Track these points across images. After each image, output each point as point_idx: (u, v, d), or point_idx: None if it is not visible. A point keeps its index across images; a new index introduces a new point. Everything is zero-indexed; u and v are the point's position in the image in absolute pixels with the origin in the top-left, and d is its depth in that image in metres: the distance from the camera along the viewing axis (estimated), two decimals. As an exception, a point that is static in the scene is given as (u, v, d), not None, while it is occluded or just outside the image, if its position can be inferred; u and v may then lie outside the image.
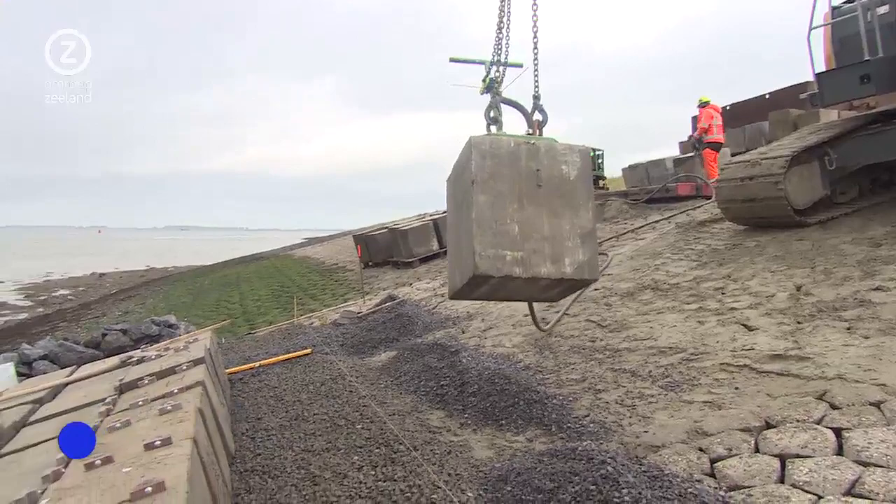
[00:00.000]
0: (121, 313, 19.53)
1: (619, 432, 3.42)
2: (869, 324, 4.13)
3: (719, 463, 2.91)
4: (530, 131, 4.28)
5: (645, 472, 2.67)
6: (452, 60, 4.53)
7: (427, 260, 14.68)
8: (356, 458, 3.27)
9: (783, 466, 2.78)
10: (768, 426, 3.18)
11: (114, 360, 4.81)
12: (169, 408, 2.98)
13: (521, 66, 4.39)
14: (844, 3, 7.28)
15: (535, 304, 5.23)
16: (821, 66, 7.29)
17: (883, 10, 6.50)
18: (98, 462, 2.29)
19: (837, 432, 2.94)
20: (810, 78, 7.45)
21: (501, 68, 4.28)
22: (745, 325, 4.73)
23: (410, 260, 14.85)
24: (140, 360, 4.63)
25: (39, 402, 3.93)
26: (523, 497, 2.66)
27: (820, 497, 2.47)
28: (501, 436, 3.58)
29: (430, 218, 16.46)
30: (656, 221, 10.97)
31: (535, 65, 4.19)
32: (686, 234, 8.75)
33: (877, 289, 4.68)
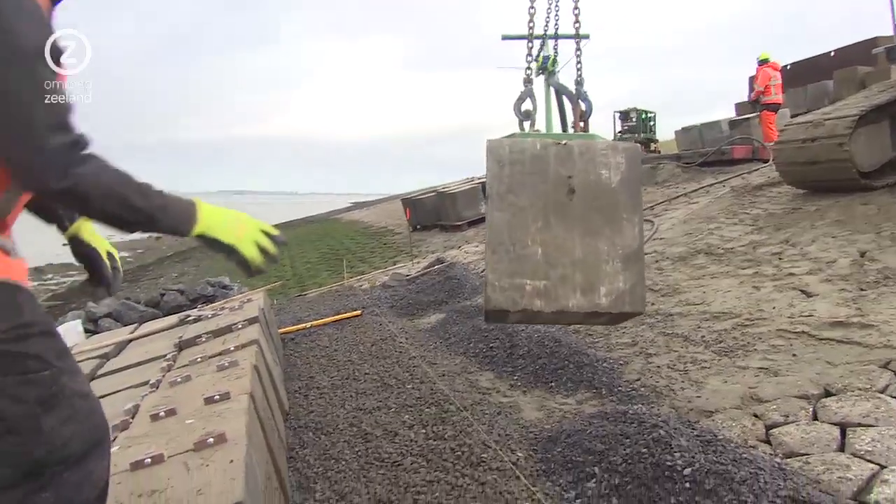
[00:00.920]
0: (177, 274, 20.18)
1: (671, 397, 3.38)
2: (938, 291, 3.96)
3: (775, 430, 2.85)
4: (572, 127, 3.53)
5: (698, 436, 2.63)
6: (505, 38, 3.93)
7: (475, 223, 14.61)
8: (406, 416, 3.32)
9: (843, 435, 2.70)
10: (828, 394, 3.09)
11: (172, 319, 4.99)
12: (226, 364, 3.07)
13: (587, 37, 3.54)
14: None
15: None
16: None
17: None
18: (162, 414, 2.39)
19: (902, 401, 2.84)
20: (887, 32, 7.05)
21: (553, 44, 3.61)
22: (803, 292, 4.59)
23: (459, 223, 14.81)
24: (197, 319, 4.77)
25: (106, 356, 4.11)
26: (573, 458, 2.67)
27: (883, 467, 2.40)
28: (551, 398, 3.59)
29: (478, 181, 16.33)
30: (710, 185, 10.67)
31: (577, 43, 3.34)
32: (741, 198, 8.49)
33: (948, 255, 4.47)
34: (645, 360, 3.95)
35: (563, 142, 2.69)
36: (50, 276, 22.23)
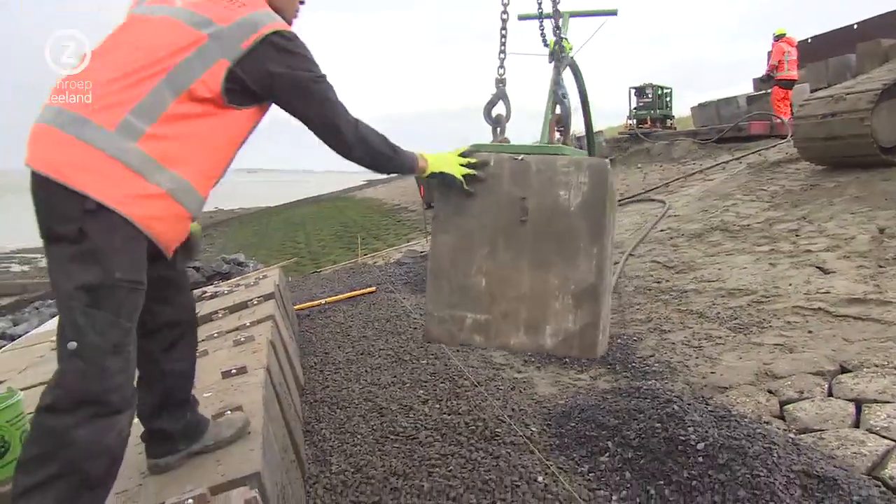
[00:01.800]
0: (193, 252, 20.34)
1: (685, 373, 3.38)
2: (959, 267, 3.91)
3: (790, 405, 2.85)
4: (560, 136, 2.93)
5: (711, 411, 2.64)
6: (522, 18, 3.25)
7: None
8: (421, 391, 3.35)
9: (859, 411, 2.69)
10: (843, 370, 3.08)
11: (189, 295, 5.03)
12: (242, 339, 3.11)
13: (614, 13, 3.23)
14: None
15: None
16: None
17: None
18: (181, 387, 2.42)
19: (919, 378, 2.82)
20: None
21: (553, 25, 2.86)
22: (820, 268, 4.55)
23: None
24: (213, 295, 4.83)
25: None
26: (587, 433, 2.68)
27: (898, 442, 2.40)
28: (565, 374, 3.60)
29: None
30: (726, 162, 10.56)
31: (557, 33, 2.80)
32: (758, 174, 8.40)
33: (969, 231, 4.40)
34: (659, 337, 3.94)
35: (520, 157, 2.32)
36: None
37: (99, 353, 1.42)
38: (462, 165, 2.24)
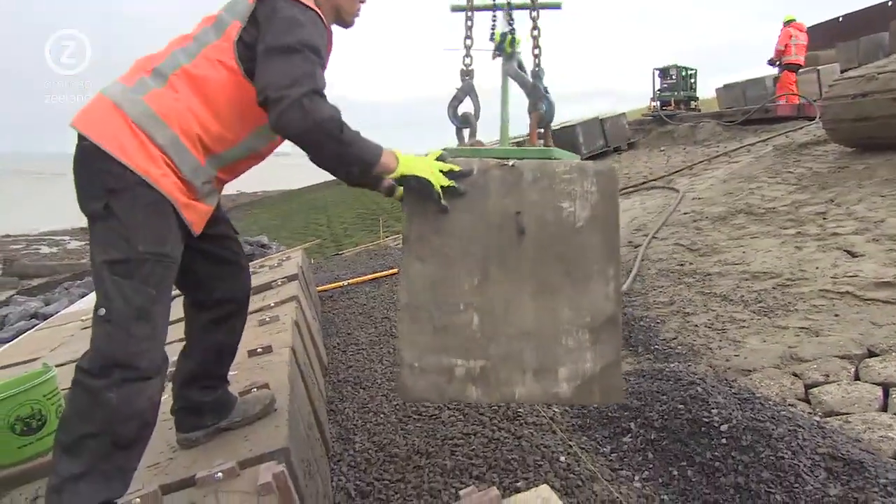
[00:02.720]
0: (216, 235, 20.54)
1: (709, 355, 3.36)
2: None
3: (815, 389, 2.83)
4: (527, 139, 2.57)
5: (735, 394, 2.62)
6: (455, 10, 2.64)
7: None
8: (443, 372, 3.37)
9: (886, 395, 2.66)
10: (871, 354, 3.04)
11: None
12: (267, 319, 3.15)
13: (558, 6, 2.56)
14: None
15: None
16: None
17: None
18: (208, 365, 2.46)
19: (949, 362, 2.78)
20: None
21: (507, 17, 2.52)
22: (848, 252, 4.47)
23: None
24: (238, 277, 4.86)
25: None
26: (609, 414, 2.69)
27: (926, 426, 2.37)
28: (586, 356, 3.59)
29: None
30: (752, 144, 10.38)
31: (534, 17, 2.41)
32: (785, 156, 8.25)
33: None
34: (682, 320, 3.92)
35: (510, 162, 1.93)
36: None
37: (125, 318, 1.50)
38: (442, 172, 1.84)
